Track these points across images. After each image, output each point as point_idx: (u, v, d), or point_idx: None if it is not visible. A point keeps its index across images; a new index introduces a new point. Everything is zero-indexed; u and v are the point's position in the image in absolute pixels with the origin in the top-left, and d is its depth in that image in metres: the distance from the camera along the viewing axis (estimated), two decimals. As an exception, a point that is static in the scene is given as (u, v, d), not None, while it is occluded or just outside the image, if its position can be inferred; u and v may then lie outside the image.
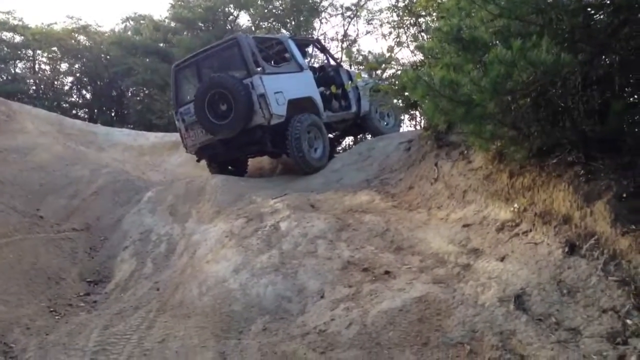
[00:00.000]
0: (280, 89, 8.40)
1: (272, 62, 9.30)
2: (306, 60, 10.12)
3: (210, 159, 9.40)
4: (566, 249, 3.57)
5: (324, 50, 11.01)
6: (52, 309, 5.30)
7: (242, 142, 8.61)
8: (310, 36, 18.96)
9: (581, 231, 3.57)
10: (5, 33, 22.20)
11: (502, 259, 3.92)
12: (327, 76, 9.96)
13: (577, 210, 3.64)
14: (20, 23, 22.16)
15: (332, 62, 10.43)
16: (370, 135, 10.89)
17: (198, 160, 9.53)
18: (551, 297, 3.34)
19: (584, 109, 3.88)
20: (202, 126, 8.61)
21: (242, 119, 8.15)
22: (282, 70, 8.92)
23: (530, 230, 4.00)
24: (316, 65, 12.24)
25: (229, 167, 9.45)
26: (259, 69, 8.36)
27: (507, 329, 3.24)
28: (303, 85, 8.97)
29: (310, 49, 13.26)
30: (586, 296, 3.23)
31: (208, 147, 8.97)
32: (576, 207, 3.66)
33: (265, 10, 20.96)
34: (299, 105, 8.59)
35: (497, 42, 3.81)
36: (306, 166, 8.44)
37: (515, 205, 4.25)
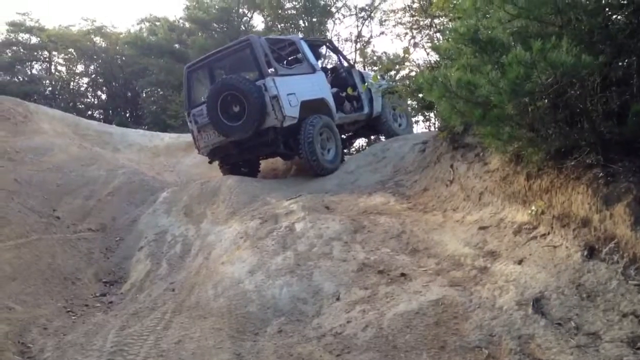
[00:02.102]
0: (293, 90, 8.40)
1: (285, 64, 9.31)
2: (319, 62, 10.12)
3: (223, 161, 9.41)
4: (585, 253, 3.53)
5: (336, 51, 11.00)
6: (68, 309, 5.35)
7: (255, 143, 8.62)
8: (323, 37, 18.95)
9: (600, 234, 3.53)
10: (21, 34, 22.51)
11: (520, 262, 3.89)
12: (339, 77, 9.96)
13: (596, 213, 3.59)
14: (37, 25, 22.47)
15: (345, 63, 10.43)
16: (383, 137, 10.85)
17: (210, 162, 9.56)
18: (570, 301, 3.30)
19: (603, 111, 3.84)
20: (214, 128, 8.60)
21: (254, 120, 8.14)
22: (295, 72, 8.91)
23: (549, 233, 3.96)
24: (329, 66, 12.25)
25: (242, 169, 9.46)
26: (271, 71, 8.37)
27: (526, 333, 3.21)
28: (316, 87, 8.96)
29: (323, 50, 13.26)
30: (606, 300, 3.19)
31: (220, 148, 8.99)
32: (595, 210, 3.61)
33: (279, 11, 20.97)
34: (311, 107, 8.58)
35: (515, 43, 3.78)
36: (319, 168, 8.42)
37: (533, 207, 4.21)
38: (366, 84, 8.71)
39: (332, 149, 8.76)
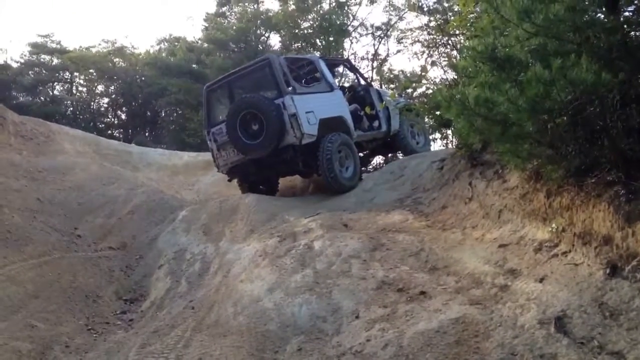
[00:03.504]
0: (312, 108, 8.46)
1: (303, 82, 9.39)
2: (337, 80, 10.20)
3: (242, 179, 9.46)
4: (607, 271, 3.48)
5: (353, 69, 11.09)
6: (90, 327, 5.40)
7: (274, 161, 8.67)
8: (340, 56, 19.09)
9: (623, 252, 3.49)
10: (44, 56, 22.98)
11: (541, 280, 3.85)
12: (357, 95, 10.02)
13: (618, 231, 3.56)
14: (58, 46, 22.96)
15: (362, 82, 10.50)
16: (401, 154, 10.86)
17: (229, 180, 9.62)
18: (593, 320, 3.26)
19: (623, 128, 3.81)
20: (234, 146, 8.68)
21: (273, 138, 8.21)
22: (313, 90, 8.98)
23: (570, 251, 3.93)
24: (346, 84, 12.33)
25: (260, 187, 9.52)
26: (290, 89, 8.45)
27: (548, 352, 3.17)
28: (334, 105, 9.01)
29: (340, 69, 13.37)
30: (629, 319, 3.15)
31: (239, 166, 9.04)
32: (617, 228, 3.58)
33: (296, 31, 21.19)
34: (329, 125, 8.63)
35: (533, 60, 3.79)
36: (338, 186, 8.43)
37: (554, 225, 4.17)
38: (384, 102, 8.74)
39: (351, 167, 8.78)
